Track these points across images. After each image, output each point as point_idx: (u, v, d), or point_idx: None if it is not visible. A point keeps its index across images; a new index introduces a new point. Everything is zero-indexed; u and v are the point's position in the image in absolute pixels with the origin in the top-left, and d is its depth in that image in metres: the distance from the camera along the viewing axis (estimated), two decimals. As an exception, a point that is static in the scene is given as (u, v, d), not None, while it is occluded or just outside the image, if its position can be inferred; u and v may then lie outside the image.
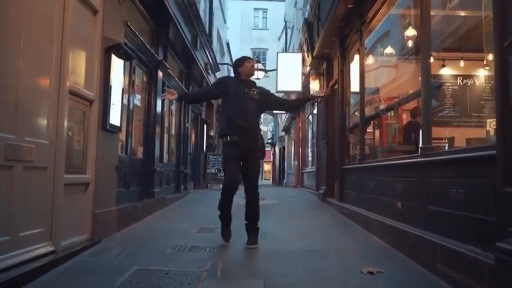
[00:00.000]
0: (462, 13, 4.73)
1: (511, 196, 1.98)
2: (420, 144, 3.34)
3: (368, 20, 5.37)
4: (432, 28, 3.52)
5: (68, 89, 3.13)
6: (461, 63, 5.64)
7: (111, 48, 3.89)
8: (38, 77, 2.85)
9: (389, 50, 5.46)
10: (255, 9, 26.66)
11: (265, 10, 26.70)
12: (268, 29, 26.07)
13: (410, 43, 4.95)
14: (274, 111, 16.23)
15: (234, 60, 3.99)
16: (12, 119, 2.54)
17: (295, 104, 4.77)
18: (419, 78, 3.43)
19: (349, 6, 5.52)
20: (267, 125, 28.06)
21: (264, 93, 3.85)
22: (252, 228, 3.69)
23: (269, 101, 3.94)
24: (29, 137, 2.70)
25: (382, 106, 5.28)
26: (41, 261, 2.73)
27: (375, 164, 4.86)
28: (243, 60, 3.91)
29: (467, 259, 2.37)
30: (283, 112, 17.34)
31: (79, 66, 3.46)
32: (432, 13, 3.73)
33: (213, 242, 3.80)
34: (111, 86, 3.92)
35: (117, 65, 4.10)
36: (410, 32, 4.55)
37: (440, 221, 2.89)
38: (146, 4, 5.52)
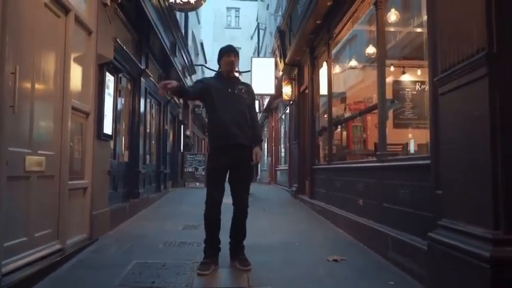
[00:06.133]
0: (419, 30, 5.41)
1: (439, 197, 2.57)
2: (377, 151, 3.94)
3: (335, 34, 5.96)
4: (395, 39, 4.12)
5: (71, 105, 3.52)
6: (419, 71, 6.37)
7: (104, 65, 4.27)
8: (47, 96, 3.23)
9: (353, 62, 6.07)
10: (227, 8, 27.04)
11: (237, 9, 27.14)
12: (240, 28, 26.53)
13: (371, 57, 5.59)
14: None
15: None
16: (29, 136, 2.93)
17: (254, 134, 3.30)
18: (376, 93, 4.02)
19: (318, 22, 6.09)
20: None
21: (251, 93, 3.33)
22: (241, 248, 3.42)
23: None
24: (40, 150, 3.09)
25: (347, 114, 5.89)
26: (52, 257, 3.14)
27: (340, 165, 5.47)
28: (222, 53, 3.25)
29: (410, 247, 2.97)
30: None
31: (78, 83, 3.84)
32: (392, 29, 4.38)
33: (199, 237, 4.19)
34: (104, 99, 4.31)
35: (109, 79, 4.49)
36: (371, 49, 5.16)
37: (391, 216, 3.50)
38: (130, 16, 5.88)
